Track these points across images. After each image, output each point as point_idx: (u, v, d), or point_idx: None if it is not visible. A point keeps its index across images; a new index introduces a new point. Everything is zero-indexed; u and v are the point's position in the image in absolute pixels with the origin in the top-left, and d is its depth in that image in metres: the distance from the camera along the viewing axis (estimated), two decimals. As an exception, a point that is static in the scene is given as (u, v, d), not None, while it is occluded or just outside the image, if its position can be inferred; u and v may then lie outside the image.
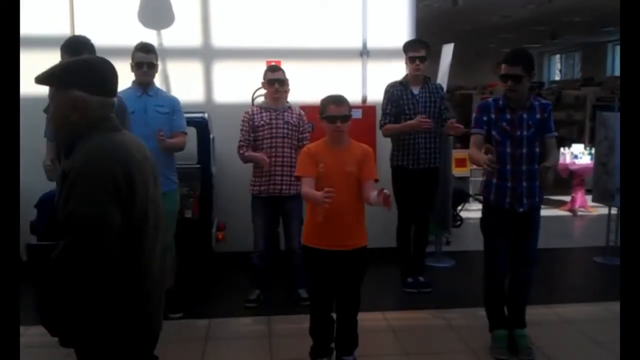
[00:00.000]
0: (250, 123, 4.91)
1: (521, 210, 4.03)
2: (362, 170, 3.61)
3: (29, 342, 4.22)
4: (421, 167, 5.28)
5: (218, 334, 4.58)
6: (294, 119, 4.94)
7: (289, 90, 5.52)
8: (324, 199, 3.31)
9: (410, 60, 5.29)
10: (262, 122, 4.89)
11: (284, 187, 4.89)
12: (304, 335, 3.84)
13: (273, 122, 4.88)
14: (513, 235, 4.12)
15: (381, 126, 5.35)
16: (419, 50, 5.27)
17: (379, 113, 5.94)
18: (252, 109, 5.02)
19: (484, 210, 4.27)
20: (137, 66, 4.58)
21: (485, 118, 4.03)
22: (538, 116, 4.00)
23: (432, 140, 5.32)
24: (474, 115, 4.16)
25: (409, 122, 5.15)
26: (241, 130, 4.95)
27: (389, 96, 5.31)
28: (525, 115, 3.97)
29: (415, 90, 5.28)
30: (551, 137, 4.08)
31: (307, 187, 3.56)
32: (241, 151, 4.93)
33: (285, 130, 4.89)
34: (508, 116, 3.98)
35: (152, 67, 4.64)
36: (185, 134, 4.71)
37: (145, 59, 4.59)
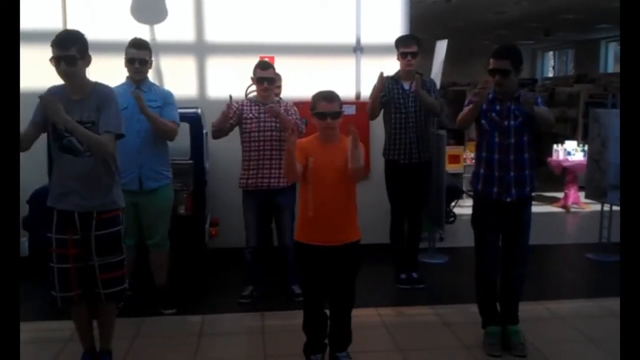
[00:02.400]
0: (238, 112, 4.90)
1: (509, 200, 4.04)
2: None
3: (28, 338, 4.22)
4: (413, 162, 5.28)
5: (211, 330, 4.57)
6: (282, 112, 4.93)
7: (280, 85, 5.51)
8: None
9: (402, 56, 5.29)
10: (250, 115, 4.88)
11: (272, 180, 4.89)
12: (298, 331, 3.83)
13: (261, 115, 4.87)
14: (504, 230, 4.14)
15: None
16: (411, 45, 5.27)
17: (372, 109, 5.96)
18: (242, 102, 5.01)
19: (474, 205, 4.29)
20: (128, 62, 4.56)
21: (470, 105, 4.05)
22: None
23: (423, 134, 5.33)
24: (467, 99, 4.17)
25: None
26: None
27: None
28: (512, 106, 4.02)
29: (406, 85, 5.29)
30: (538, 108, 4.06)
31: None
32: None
33: (273, 124, 4.87)
34: (497, 107, 4.03)
35: (144, 64, 4.60)
36: (177, 125, 4.65)
37: (137, 55, 4.55)
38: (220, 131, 4.91)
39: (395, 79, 5.34)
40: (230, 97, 4.83)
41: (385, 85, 5.28)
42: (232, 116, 4.88)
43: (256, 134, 4.86)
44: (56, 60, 3.43)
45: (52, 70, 3.51)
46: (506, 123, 4.00)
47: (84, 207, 3.53)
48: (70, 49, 3.43)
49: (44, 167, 4.89)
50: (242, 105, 4.94)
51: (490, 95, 4.07)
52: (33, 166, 4.86)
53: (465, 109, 4.07)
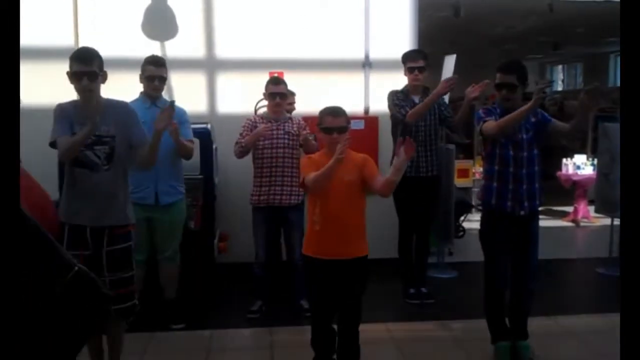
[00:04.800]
0: (252, 129, 4.92)
1: (522, 213, 4.04)
2: (364, 174, 3.59)
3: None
4: (421, 176, 5.28)
5: (220, 345, 4.57)
6: (295, 129, 4.95)
7: (294, 102, 5.54)
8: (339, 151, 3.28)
9: (409, 71, 5.31)
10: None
11: (284, 196, 4.90)
12: (306, 346, 3.82)
13: (274, 132, 4.89)
14: (514, 244, 4.13)
15: (404, 116, 5.19)
16: (418, 60, 5.29)
17: (381, 123, 5.99)
18: (254, 118, 5.04)
19: (483, 219, 4.28)
20: (148, 79, 4.60)
21: (493, 117, 4.06)
22: (533, 119, 4.09)
23: (431, 148, 5.33)
24: (480, 111, 4.16)
25: (434, 92, 5.10)
26: (241, 133, 4.95)
27: (394, 96, 5.33)
28: (523, 120, 4.02)
29: (416, 99, 5.30)
30: (554, 122, 4.17)
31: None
32: (236, 146, 4.91)
33: (286, 141, 4.90)
34: None
35: (163, 81, 4.68)
36: (192, 142, 4.72)
37: (156, 72, 4.61)
38: (248, 151, 4.92)
39: (404, 92, 5.35)
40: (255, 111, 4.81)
41: (393, 98, 5.30)
42: (249, 133, 4.91)
43: (269, 151, 4.88)
44: (78, 76, 3.46)
45: (66, 85, 3.55)
46: (519, 136, 4.02)
47: (97, 222, 3.55)
48: (92, 64, 3.49)
49: (55, 180, 4.93)
50: (255, 122, 4.97)
51: (499, 110, 4.08)
52: (44, 180, 4.87)
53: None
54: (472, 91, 5.06)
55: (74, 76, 3.48)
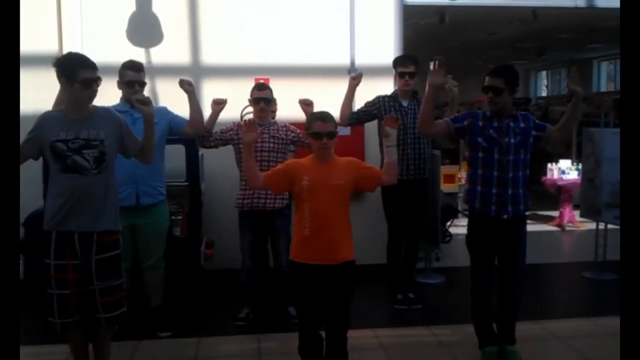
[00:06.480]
0: (231, 133, 4.93)
1: (505, 217, 4.05)
2: (361, 174, 3.64)
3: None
4: (410, 179, 5.27)
5: (207, 353, 4.54)
6: (281, 133, 4.95)
7: (275, 109, 5.53)
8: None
9: (400, 76, 5.33)
10: None
11: (268, 201, 4.88)
12: (294, 353, 3.80)
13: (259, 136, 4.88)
14: (499, 249, 4.14)
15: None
16: (409, 66, 5.31)
17: (367, 130, 5.98)
18: (238, 124, 5.03)
19: (469, 225, 4.29)
20: (127, 85, 4.56)
21: (465, 122, 4.11)
22: (522, 125, 4.09)
23: (420, 151, 5.32)
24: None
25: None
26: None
27: (372, 103, 5.41)
28: (511, 124, 4.05)
29: (404, 103, 5.32)
30: (550, 127, 4.25)
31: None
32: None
33: (272, 145, 4.89)
34: (495, 124, 4.05)
35: (143, 86, 4.64)
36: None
37: (136, 77, 4.58)
38: (207, 138, 4.91)
39: (393, 97, 5.37)
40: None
41: (382, 104, 5.31)
42: (227, 131, 4.93)
43: (254, 155, 4.85)
44: (87, 83, 3.48)
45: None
46: (506, 140, 4.03)
47: (87, 228, 3.52)
48: (97, 71, 3.54)
49: (40, 189, 4.88)
50: (238, 126, 4.95)
51: (488, 113, 4.11)
52: (28, 188, 4.84)
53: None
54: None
55: (86, 83, 3.48)
